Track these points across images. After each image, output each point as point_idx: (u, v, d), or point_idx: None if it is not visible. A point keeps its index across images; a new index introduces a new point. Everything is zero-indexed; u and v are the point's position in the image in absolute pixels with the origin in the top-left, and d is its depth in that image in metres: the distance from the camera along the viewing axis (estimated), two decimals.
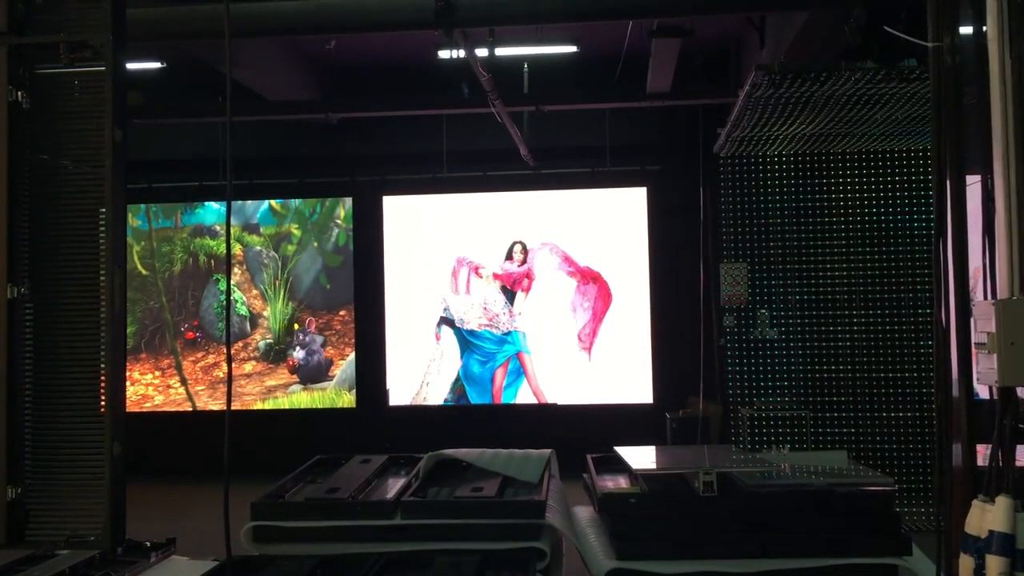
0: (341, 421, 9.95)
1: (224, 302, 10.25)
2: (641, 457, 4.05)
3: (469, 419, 9.68)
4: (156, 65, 8.40)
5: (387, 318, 9.93)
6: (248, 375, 10.13)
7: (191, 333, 10.25)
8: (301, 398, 10.08)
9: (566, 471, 4.19)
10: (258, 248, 10.25)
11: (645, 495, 3.59)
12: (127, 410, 3.34)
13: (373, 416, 9.85)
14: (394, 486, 3.72)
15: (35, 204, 3.29)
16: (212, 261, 10.27)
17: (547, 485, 3.63)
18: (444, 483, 3.73)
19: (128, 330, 9.74)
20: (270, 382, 10.13)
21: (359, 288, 10.09)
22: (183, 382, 10.22)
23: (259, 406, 10.07)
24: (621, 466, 4.10)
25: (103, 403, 3.19)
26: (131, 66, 6.31)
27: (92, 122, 3.24)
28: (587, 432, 8.27)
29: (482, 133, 9.46)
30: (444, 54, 7.94)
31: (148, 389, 10.24)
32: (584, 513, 3.96)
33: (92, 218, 3.25)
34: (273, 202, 10.25)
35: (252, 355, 10.16)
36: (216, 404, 10.12)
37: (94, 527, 3.15)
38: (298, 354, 10.10)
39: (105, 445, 3.15)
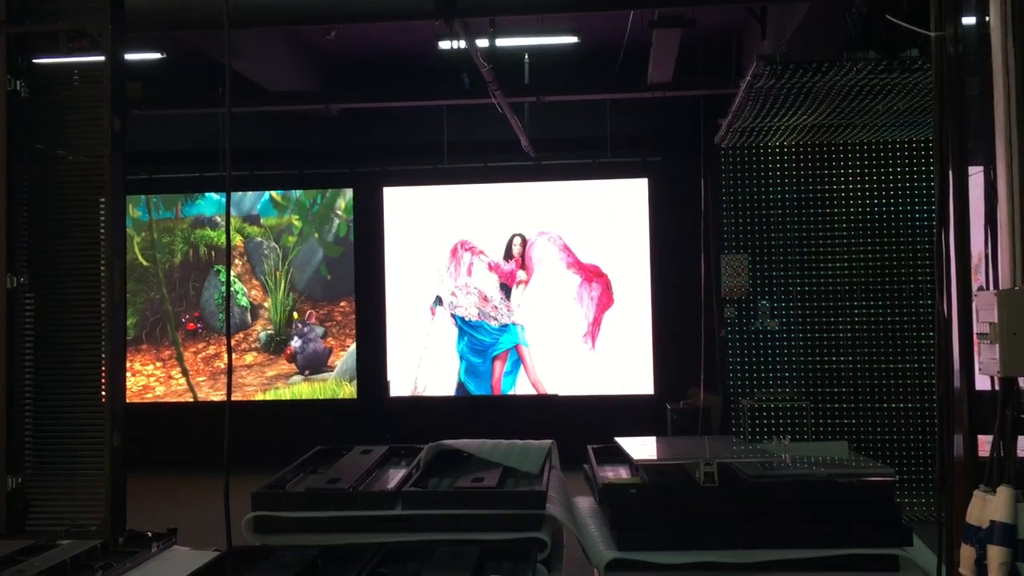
0: (342, 412, 9.96)
1: (225, 293, 10.25)
2: (642, 448, 4.04)
3: (470, 410, 9.69)
4: (156, 56, 8.39)
5: (388, 309, 9.94)
6: (249, 366, 10.14)
7: (192, 324, 10.26)
8: (302, 389, 10.09)
9: (567, 462, 4.19)
10: (259, 239, 10.25)
11: (646, 486, 3.58)
12: (128, 401, 3.34)
13: (374, 407, 9.86)
14: (395, 477, 3.72)
15: (34, 194, 3.28)
16: (213, 252, 10.27)
17: (548, 476, 3.63)
18: (445, 474, 3.73)
19: (129, 321, 9.75)
20: (271, 373, 10.13)
21: (360, 279, 10.09)
22: (184, 373, 10.23)
23: (260, 397, 10.09)
24: (622, 457, 4.09)
25: (103, 393, 3.19)
26: (131, 57, 6.30)
27: (91, 112, 3.23)
28: (588, 423, 8.26)
29: (483, 124, 9.44)
30: (445, 45, 7.92)
31: (149, 380, 10.25)
32: (585, 503, 3.96)
33: (91, 208, 3.24)
34: (274, 193, 10.24)
35: (253, 346, 10.17)
36: (217, 395, 10.13)
37: (95, 517, 3.15)
38: (295, 343, 10.11)
39: (105, 435, 3.15)
